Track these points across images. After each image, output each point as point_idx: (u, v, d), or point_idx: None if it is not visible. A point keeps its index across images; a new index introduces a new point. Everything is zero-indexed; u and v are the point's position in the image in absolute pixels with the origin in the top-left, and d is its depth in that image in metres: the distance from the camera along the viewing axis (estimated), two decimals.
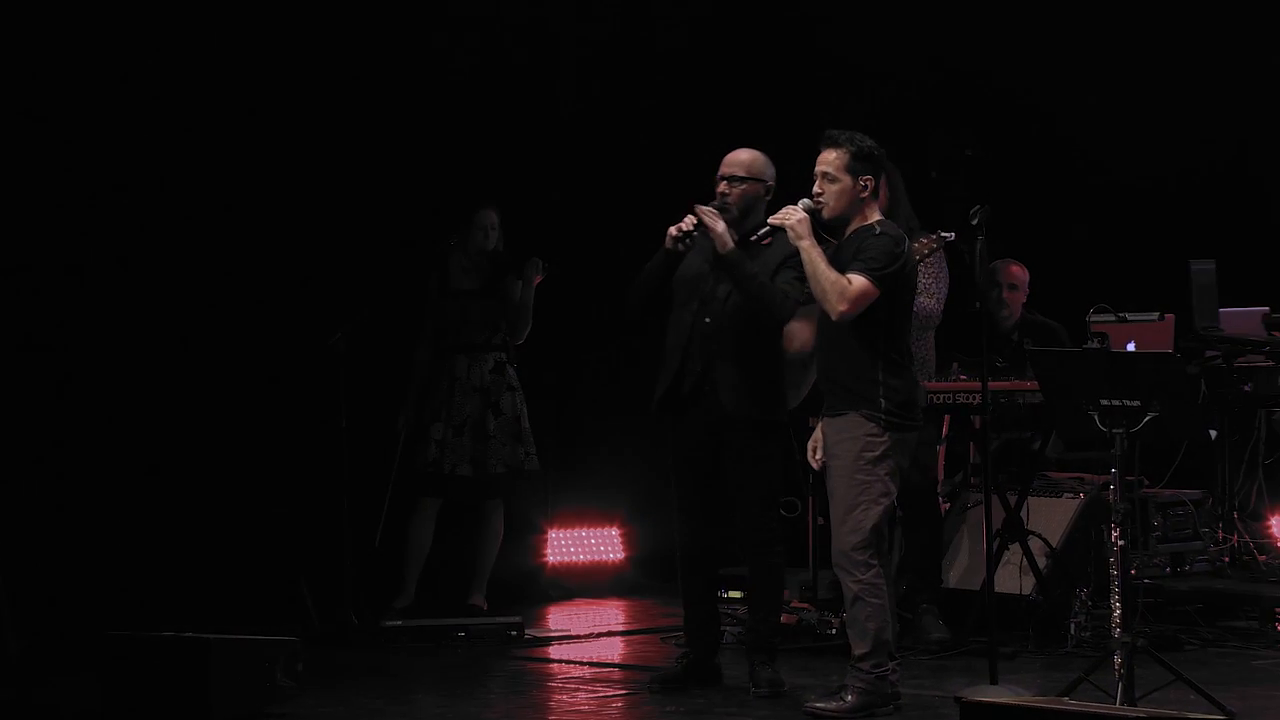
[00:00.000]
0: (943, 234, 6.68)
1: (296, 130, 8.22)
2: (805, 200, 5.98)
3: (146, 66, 7.89)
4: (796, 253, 5.97)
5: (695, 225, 6.30)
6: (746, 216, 6.40)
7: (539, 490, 8.25)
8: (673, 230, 6.32)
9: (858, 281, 5.79)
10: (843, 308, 5.78)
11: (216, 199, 8.11)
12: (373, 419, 7.93)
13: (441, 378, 7.96)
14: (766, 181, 6.45)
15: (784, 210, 5.96)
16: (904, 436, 5.91)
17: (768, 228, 6.10)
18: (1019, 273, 8.26)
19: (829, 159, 5.90)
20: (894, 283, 5.84)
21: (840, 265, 5.87)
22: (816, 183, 5.94)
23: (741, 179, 6.41)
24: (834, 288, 5.80)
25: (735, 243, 6.30)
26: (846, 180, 5.88)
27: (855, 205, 5.91)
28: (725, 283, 6.34)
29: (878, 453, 5.85)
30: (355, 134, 8.38)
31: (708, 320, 6.36)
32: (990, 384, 6.26)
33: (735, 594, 7.74)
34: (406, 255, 8.16)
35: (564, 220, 8.67)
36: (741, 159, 6.46)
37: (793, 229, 5.90)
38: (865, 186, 5.89)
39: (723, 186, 6.42)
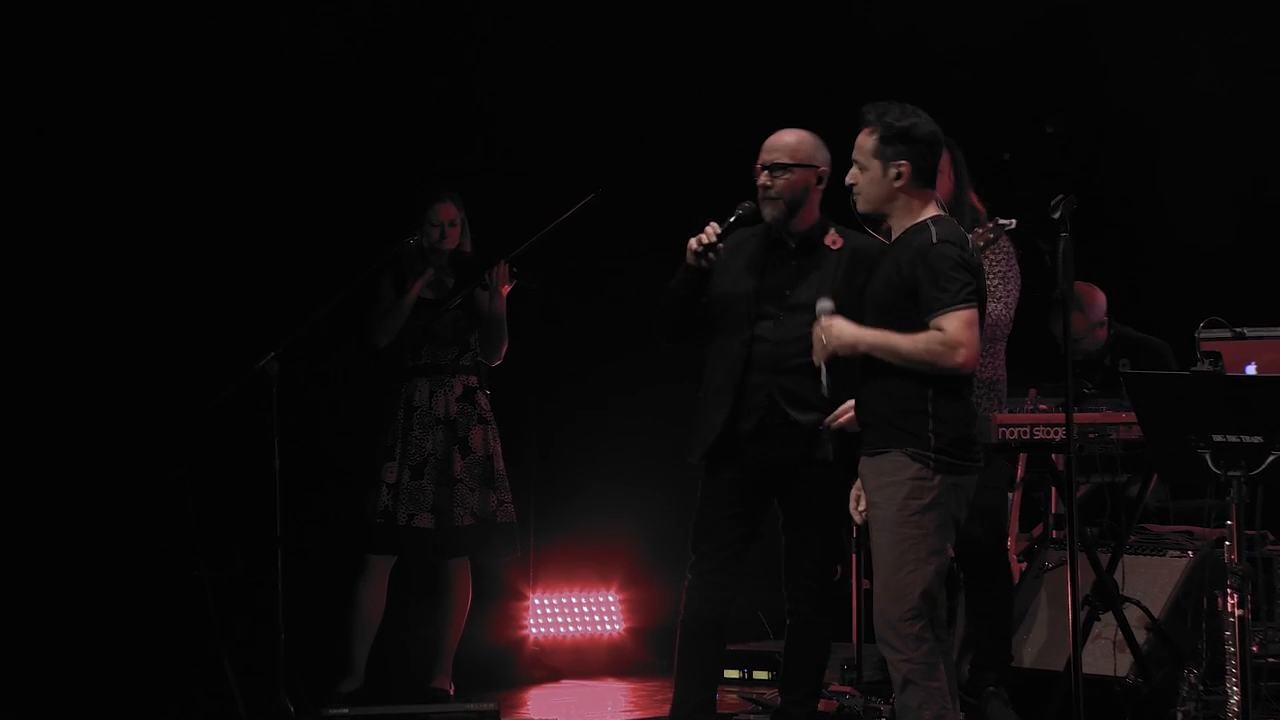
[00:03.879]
0: (1000, 221, 6.70)
1: (205, 117, 8.44)
2: (821, 304, 5.96)
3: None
4: (855, 255, 6.05)
5: (719, 234, 6.35)
6: (796, 211, 6.45)
7: (517, 546, 8.19)
8: (693, 243, 6.38)
9: (952, 320, 5.73)
10: (960, 358, 5.73)
11: (124, 200, 8.32)
12: (312, 457, 8.01)
13: (397, 407, 7.97)
14: (819, 167, 6.49)
15: (816, 337, 5.91)
16: (959, 480, 5.86)
17: (823, 373, 5.99)
18: (1088, 292, 8.39)
19: (860, 141, 5.95)
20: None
21: (888, 279, 5.86)
22: (851, 170, 5.97)
23: (786, 166, 6.45)
24: (932, 350, 5.75)
25: (792, 245, 6.38)
26: (876, 167, 5.90)
27: (891, 196, 5.91)
28: (786, 291, 6.39)
29: (926, 500, 5.80)
30: (280, 116, 8.55)
31: (769, 343, 6.42)
32: (1076, 415, 6.24)
33: (762, 675, 7.73)
34: (352, 259, 8.16)
35: (544, 215, 8.62)
36: (786, 142, 6.49)
37: (842, 346, 5.88)
38: (899, 174, 5.87)
39: (764, 178, 6.46)
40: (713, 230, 6.38)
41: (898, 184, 5.87)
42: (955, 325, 5.74)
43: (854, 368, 5.95)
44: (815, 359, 5.97)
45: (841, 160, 6.11)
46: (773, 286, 6.48)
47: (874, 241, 6.28)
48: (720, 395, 6.47)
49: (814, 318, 6.03)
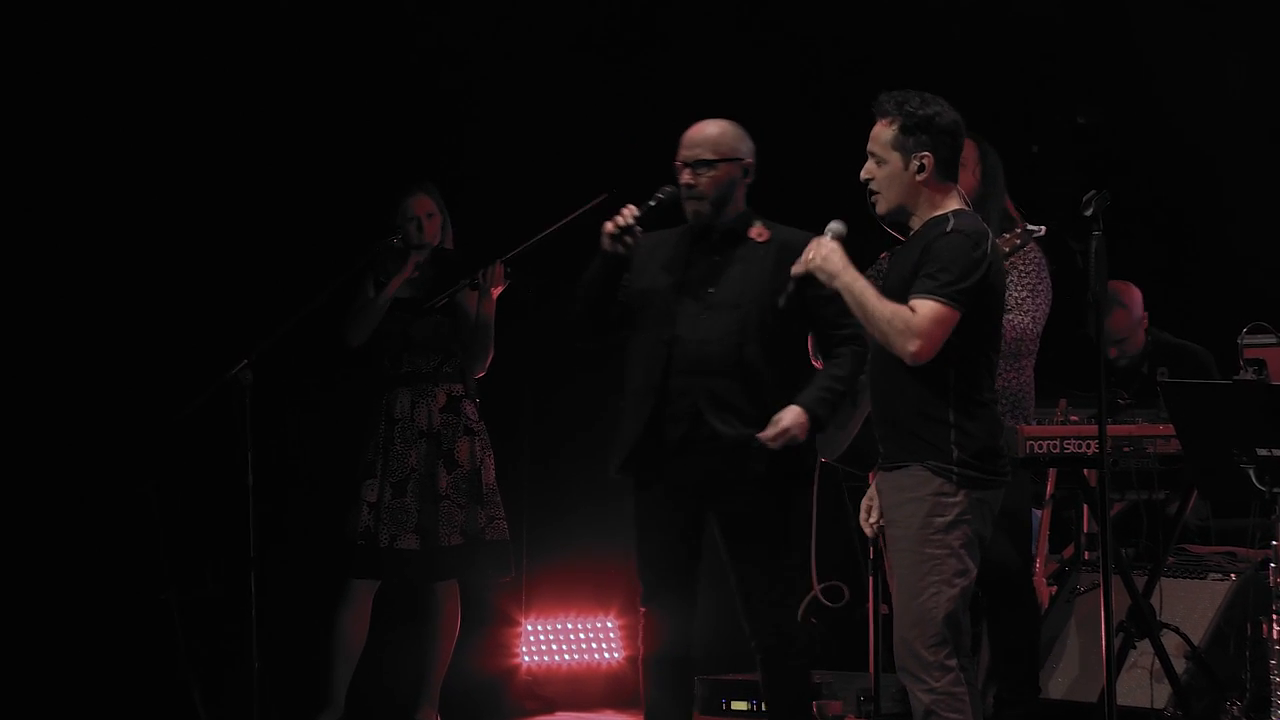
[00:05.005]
0: (1029, 227, 6.61)
1: (171, 114, 8.43)
2: (833, 225, 5.96)
3: None
4: (783, 249, 6.12)
5: (637, 218, 6.33)
6: (723, 207, 6.44)
7: (510, 566, 8.18)
8: (608, 226, 6.34)
9: (925, 308, 5.70)
10: (914, 347, 5.69)
11: (86, 198, 8.34)
12: (288, 471, 8.06)
13: (377, 419, 7.93)
14: (743, 159, 6.48)
15: (807, 249, 5.90)
16: (984, 495, 5.82)
17: (791, 285, 6.04)
18: (1126, 290, 8.38)
19: (876, 132, 5.89)
20: (976, 298, 5.76)
21: (901, 276, 5.85)
22: (866, 164, 5.92)
23: (710, 162, 6.44)
24: (894, 325, 5.71)
25: (715, 239, 6.38)
26: (896, 160, 5.85)
27: (915, 192, 5.87)
28: (709, 289, 6.38)
29: (949, 517, 5.76)
30: (254, 108, 8.56)
31: (692, 343, 6.37)
32: (1110, 427, 6.23)
33: (740, 705, 7.72)
34: (331, 260, 8.16)
35: (540, 213, 8.59)
36: (708, 135, 6.47)
37: (820, 270, 5.86)
38: (922, 166, 5.83)
39: (686, 175, 6.44)
40: (630, 213, 6.34)
41: (920, 177, 5.83)
42: (925, 314, 5.69)
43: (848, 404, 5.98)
44: (793, 269, 5.93)
45: (852, 156, 6.04)
46: (695, 282, 6.44)
47: (803, 236, 6.23)
48: (640, 400, 6.45)
49: (738, 316, 6.18)
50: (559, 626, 9.26)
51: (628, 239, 6.34)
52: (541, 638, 9.23)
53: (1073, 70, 9.22)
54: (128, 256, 8.38)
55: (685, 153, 6.44)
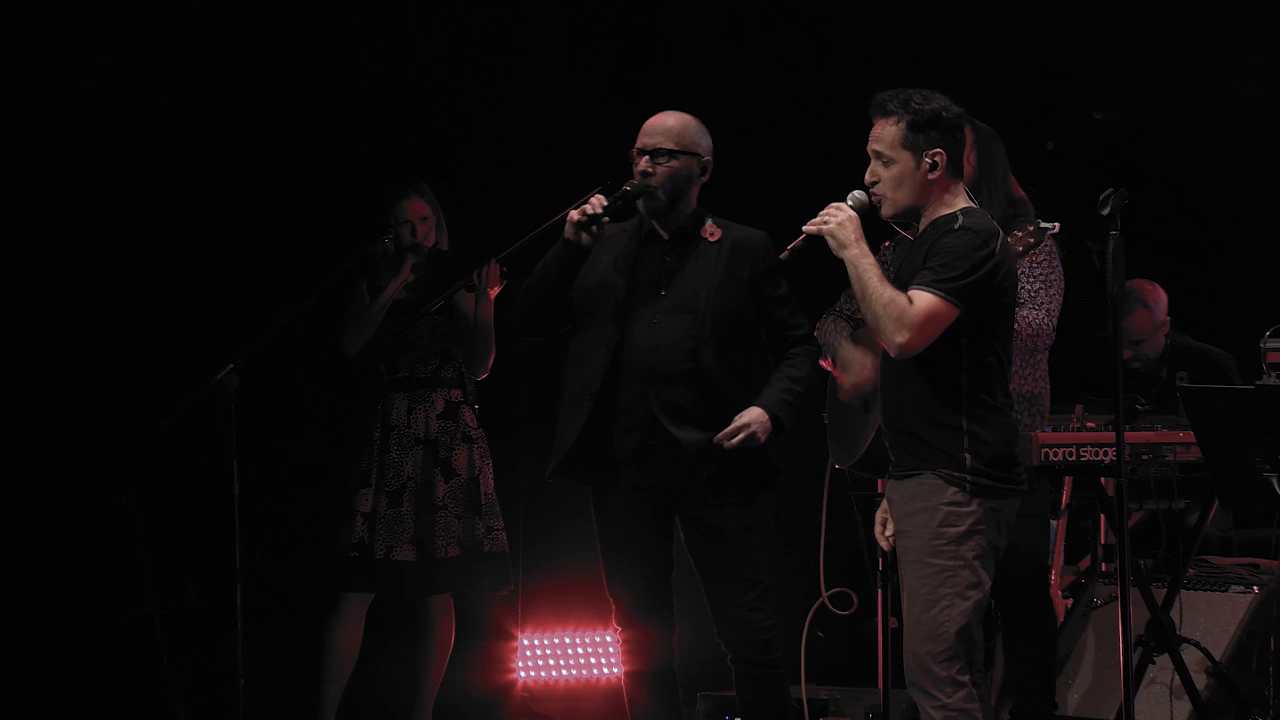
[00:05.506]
0: (1042, 224, 6.60)
1: (152, 110, 8.45)
2: (856, 193, 5.95)
3: None
4: (736, 248, 6.21)
5: (606, 207, 6.33)
6: (676, 203, 6.45)
7: (510, 579, 8.09)
8: (574, 214, 6.34)
9: (922, 300, 5.71)
10: (902, 338, 5.71)
11: (65, 197, 8.37)
12: (276, 481, 8.12)
13: (373, 426, 7.91)
14: (701, 155, 6.49)
15: (824, 211, 5.90)
16: (999, 505, 5.83)
17: (803, 238, 6.00)
18: (1151, 290, 8.36)
19: (879, 132, 5.87)
20: (980, 295, 5.76)
21: (907, 276, 5.83)
22: (870, 167, 5.90)
23: (670, 152, 6.44)
24: (889, 311, 5.72)
25: (666, 238, 6.40)
26: (905, 159, 5.84)
27: (925, 190, 5.86)
28: (660, 290, 6.38)
29: (962, 527, 5.77)
30: (241, 106, 8.59)
31: (642, 349, 6.37)
32: (1128, 434, 6.22)
33: None
34: (321, 261, 8.14)
35: (540, 209, 8.58)
36: (669, 125, 6.48)
37: (832, 236, 5.85)
38: (934, 164, 5.83)
39: (643, 163, 6.44)
40: (598, 202, 6.35)
41: (933, 175, 5.83)
42: (921, 307, 5.70)
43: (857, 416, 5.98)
44: (805, 227, 5.91)
45: (854, 157, 6.04)
46: (645, 283, 6.44)
47: (756, 234, 6.34)
48: (576, 405, 6.46)
49: (692, 320, 6.26)
50: (556, 641, 9.26)
51: (594, 228, 6.33)
52: (538, 652, 9.22)
53: (1089, 62, 9.24)
54: (108, 257, 8.43)
55: (645, 140, 6.45)
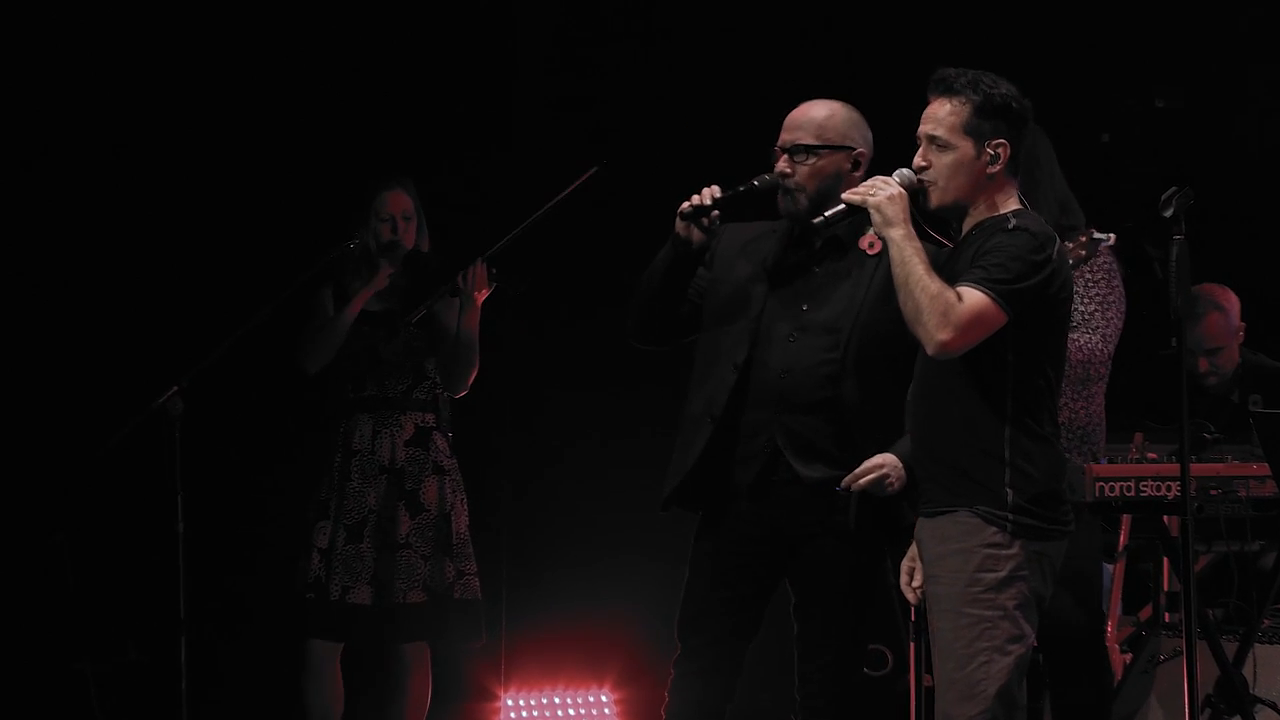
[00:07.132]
0: (1095, 234, 6.61)
1: (93, 97, 8.56)
2: (904, 171, 5.91)
3: None
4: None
5: (717, 200, 6.21)
6: (825, 204, 6.27)
7: (482, 631, 7.99)
8: (684, 206, 6.22)
9: (971, 298, 5.67)
10: (945, 335, 5.66)
11: None
12: (226, 517, 8.15)
13: (333, 451, 7.87)
14: (855, 149, 6.37)
15: (870, 183, 5.87)
16: (1044, 548, 5.80)
17: (840, 208, 5.97)
18: (1222, 293, 8.41)
19: (938, 113, 5.85)
20: (1032, 305, 5.73)
21: (952, 277, 5.82)
22: (920, 151, 5.88)
23: (812, 148, 6.33)
24: (934, 305, 5.69)
25: (817, 246, 6.28)
26: (966, 146, 5.82)
27: (980, 185, 5.85)
28: (802, 306, 6.27)
29: (1003, 572, 5.74)
30: (186, 95, 8.66)
31: (774, 372, 6.26)
32: (1195, 466, 6.28)
33: None
34: (279, 268, 8.11)
35: (530, 202, 8.56)
36: (812, 118, 6.37)
37: (878, 210, 5.80)
38: (996, 156, 5.82)
39: (783, 163, 6.34)
40: (710, 193, 6.24)
41: (992, 169, 5.82)
42: (970, 305, 5.68)
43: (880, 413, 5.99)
44: (845, 196, 5.90)
45: (886, 139, 6.06)
46: (786, 298, 6.33)
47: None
48: (696, 429, 6.35)
49: (835, 342, 6.15)
50: (544, 701, 9.31)
51: (704, 221, 6.21)
52: (524, 713, 9.24)
53: (1149, 46, 9.25)
54: (37, 264, 8.50)
55: (785, 136, 6.34)
